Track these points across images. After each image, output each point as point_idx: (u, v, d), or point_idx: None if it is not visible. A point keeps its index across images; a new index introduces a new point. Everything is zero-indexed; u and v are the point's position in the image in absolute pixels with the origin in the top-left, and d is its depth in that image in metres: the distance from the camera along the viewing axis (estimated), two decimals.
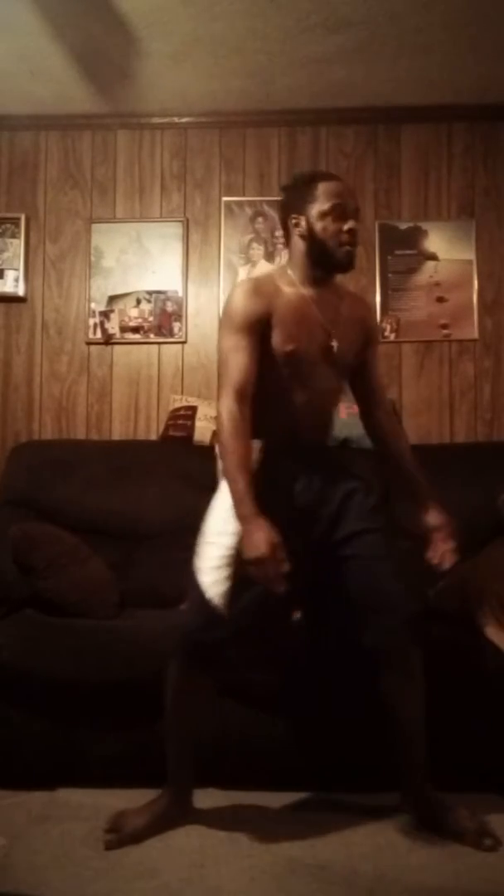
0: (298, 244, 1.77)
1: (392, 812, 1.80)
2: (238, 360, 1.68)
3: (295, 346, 1.71)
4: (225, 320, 1.75)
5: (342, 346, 1.77)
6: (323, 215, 1.72)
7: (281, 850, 1.68)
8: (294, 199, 1.77)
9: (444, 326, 3.06)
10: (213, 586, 1.66)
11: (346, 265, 1.77)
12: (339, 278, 1.84)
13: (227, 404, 1.66)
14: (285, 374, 1.73)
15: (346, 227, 1.72)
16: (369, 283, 3.07)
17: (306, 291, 1.76)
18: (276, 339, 1.71)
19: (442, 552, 1.79)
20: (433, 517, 1.83)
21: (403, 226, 3.09)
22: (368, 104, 3.03)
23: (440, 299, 3.06)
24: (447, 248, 3.07)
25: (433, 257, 3.07)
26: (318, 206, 1.72)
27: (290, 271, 1.79)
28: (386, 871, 1.59)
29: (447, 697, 1.89)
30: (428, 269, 3.07)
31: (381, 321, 3.04)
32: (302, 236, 1.75)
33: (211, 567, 1.67)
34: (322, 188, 1.73)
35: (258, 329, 1.70)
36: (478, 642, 1.93)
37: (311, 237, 1.74)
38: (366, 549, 1.72)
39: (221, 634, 1.65)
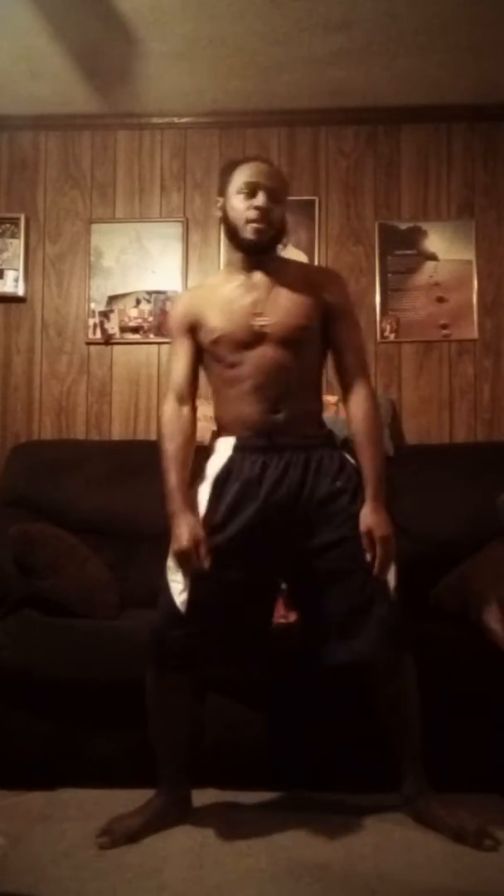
0: (223, 228, 1.81)
1: (392, 812, 1.80)
2: (174, 365, 1.83)
3: (219, 334, 1.75)
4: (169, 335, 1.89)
5: (276, 320, 1.73)
6: (234, 195, 1.74)
7: (281, 850, 1.68)
8: (220, 184, 1.82)
9: (444, 326, 3.06)
10: (175, 585, 1.71)
11: (254, 243, 1.73)
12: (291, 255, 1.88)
13: (165, 406, 1.83)
14: (225, 363, 1.76)
15: (253, 203, 1.71)
16: (369, 283, 3.07)
17: (233, 278, 1.80)
18: (203, 334, 1.78)
19: (372, 561, 1.69)
20: (363, 518, 1.72)
21: (403, 226, 3.09)
22: (368, 104, 3.02)
23: (440, 299, 3.06)
24: (447, 248, 3.07)
25: (433, 257, 3.07)
26: (232, 187, 1.75)
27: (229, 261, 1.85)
28: (386, 871, 1.59)
29: (447, 697, 1.90)
30: (428, 270, 3.07)
31: (381, 321, 3.04)
32: (221, 220, 1.80)
33: (174, 566, 1.73)
34: (238, 170, 1.76)
35: (188, 332, 1.80)
36: (478, 642, 1.93)
37: (225, 219, 1.77)
38: (343, 561, 1.70)
39: (183, 632, 1.67)
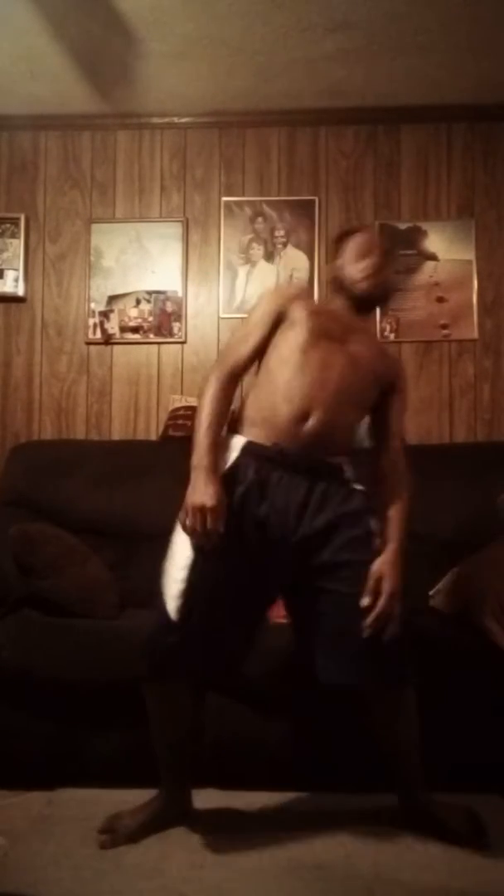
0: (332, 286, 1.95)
1: (392, 812, 1.80)
2: (242, 345, 1.82)
3: (304, 325, 1.77)
4: (256, 304, 1.89)
5: (355, 358, 1.79)
6: (350, 260, 1.87)
7: (281, 850, 1.68)
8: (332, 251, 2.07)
9: (444, 326, 3.06)
10: (171, 589, 1.68)
11: (366, 295, 1.85)
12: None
13: (216, 375, 1.77)
14: (290, 356, 1.75)
15: (368, 261, 1.83)
16: None
17: (329, 309, 1.90)
18: (288, 322, 1.79)
19: (367, 610, 1.64)
20: (379, 564, 1.68)
21: (403, 226, 3.09)
22: (368, 104, 3.03)
23: (440, 299, 3.06)
24: (447, 248, 3.07)
25: (433, 257, 3.07)
26: (349, 253, 1.88)
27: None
28: (385, 871, 1.60)
29: (447, 697, 1.90)
30: (428, 269, 3.07)
31: (381, 321, 3.04)
32: (330, 280, 1.95)
33: (173, 570, 1.70)
34: (352, 239, 1.90)
35: (273, 321, 1.80)
36: (478, 642, 1.93)
37: (335, 278, 1.92)
38: (344, 584, 1.67)
39: (176, 639, 1.65)
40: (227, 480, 1.68)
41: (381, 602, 1.63)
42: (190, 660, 1.68)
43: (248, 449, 1.72)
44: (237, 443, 1.74)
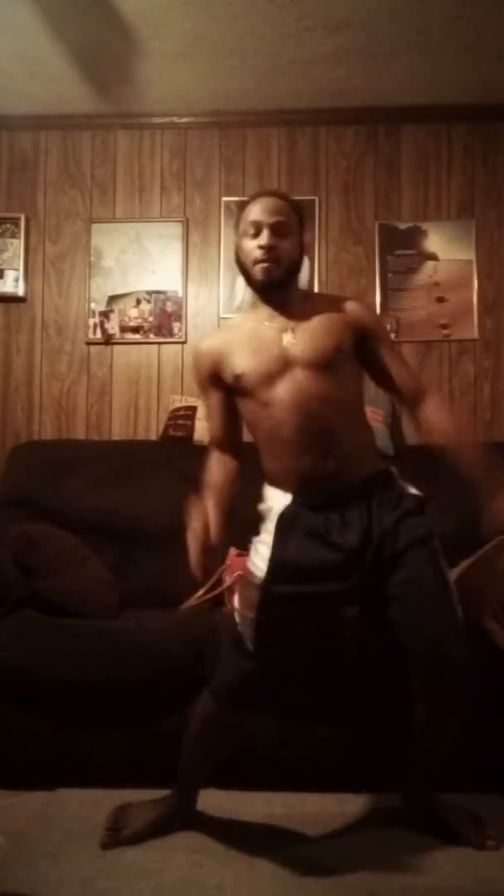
0: (240, 270, 1.76)
1: (392, 812, 1.80)
2: (210, 421, 1.83)
3: (243, 368, 1.68)
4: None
5: (302, 345, 1.65)
6: (242, 237, 1.70)
7: (281, 850, 1.68)
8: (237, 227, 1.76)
9: (444, 326, 3.06)
10: (243, 620, 1.64)
11: (264, 283, 1.68)
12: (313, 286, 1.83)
13: (209, 455, 1.79)
14: (257, 401, 1.67)
15: (258, 243, 1.66)
16: (369, 283, 3.07)
17: (256, 315, 1.75)
18: (227, 375, 1.72)
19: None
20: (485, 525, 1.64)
21: (403, 226, 3.09)
22: (368, 104, 3.03)
23: (440, 299, 3.06)
24: (447, 248, 3.07)
25: (433, 257, 3.07)
26: (241, 228, 1.71)
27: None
28: (386, 871, 1.60)
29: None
30: (428, 269, 3.07)
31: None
32: (237, 261, 1.75)
33: (244, 600, 1.65)
34: (245, 211, 1.71)
35: (214, 383, 1.77)
36: (478, 642, 1.93)
37: (238, 261, 1.74)
38: (414, 586, 1.60)
39: (249, 668, 1.63)
40: (287, 523, 1.64)
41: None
42: (262, 689, 1.66)
43: (295, 501, 1.66)
44: (282, 497, 1.68)
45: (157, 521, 2.58)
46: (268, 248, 1.65)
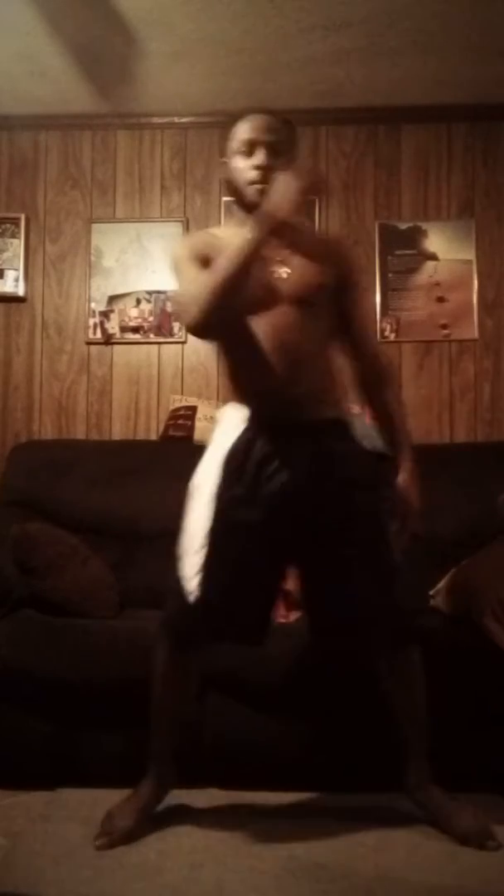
0: (228, 190, 1.71)
1: (392, 812, 1.80)
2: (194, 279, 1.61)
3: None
4: (172, 268, 1.70)
5: (294, 278, 1.62)
6: (234, 155, 1.65)
7: (281, 850, 1.68)
8: (226, 143, 1.70)
9: (444, 326, 3.06)
10: (188, 569, 1.66)
11: (257, 205, 1.57)
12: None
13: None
14: (238, 317, 1.61)
15: (252, 163, 1.61)
16: (369, 283, 3.06)
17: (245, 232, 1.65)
18: None
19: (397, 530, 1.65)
20: (398, 479, 1.69)
21: (403, 226, 3.09)
22: (368, 104, 3.03)
23: (440, 299, 3.06)
24: (447, 248, 3.07)
25: (433, 257, 3.07)
26: (233, 146, 1.66)
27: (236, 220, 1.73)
28: (386, 871, 1.59)
29: (448, 697, 1.89)
30: (428, 269, 3.07)
31: (381, 321, 3.04)
32: (225, 181, 1.70)
33: (190, 547, 1.67)
34: (237, 127, 1.66)
35: (200, 262, 1.62)
36: (478, 642, 1.93)
37: (228, 180, 1.69)
38: (355, 547, 1.64)
39: (196, 616, 1.65)
40: (238, 455, 1.63)
41: (409, 522, 1.65)
42: (211, 629, 1.67)
43: (253, 418, 1.64)
44: (239, 414, 1.66)
45: (158, 521, 2.58)
46: (265, 169, 1.61)
